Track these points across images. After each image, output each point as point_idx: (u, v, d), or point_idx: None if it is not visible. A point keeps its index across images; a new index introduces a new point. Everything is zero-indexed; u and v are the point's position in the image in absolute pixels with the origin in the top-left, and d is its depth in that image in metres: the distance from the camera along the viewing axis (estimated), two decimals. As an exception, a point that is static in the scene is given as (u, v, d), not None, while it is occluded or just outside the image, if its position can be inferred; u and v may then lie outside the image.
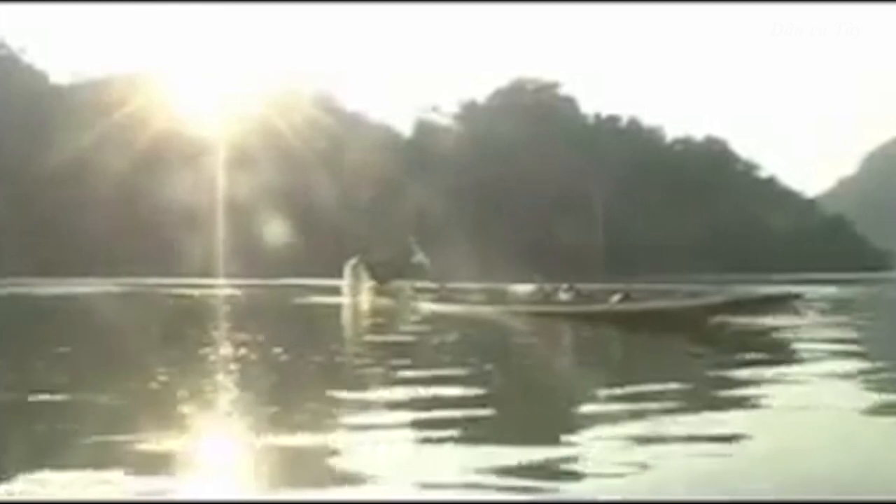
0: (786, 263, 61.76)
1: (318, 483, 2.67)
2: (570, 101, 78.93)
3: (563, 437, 3.40)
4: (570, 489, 2.61)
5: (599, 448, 3.15)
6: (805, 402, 4.20)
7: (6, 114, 54.98)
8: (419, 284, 14.16)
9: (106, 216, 51.26)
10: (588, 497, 2.53)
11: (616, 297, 9.63)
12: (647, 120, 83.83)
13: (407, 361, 5.79)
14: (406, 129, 73.36)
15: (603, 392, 4.49)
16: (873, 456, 3.09)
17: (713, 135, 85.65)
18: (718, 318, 8.96)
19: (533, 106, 73.33)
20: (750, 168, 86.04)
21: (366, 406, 4.05)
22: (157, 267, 41.92)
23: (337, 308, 13.77)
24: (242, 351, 6.37)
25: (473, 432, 3.43)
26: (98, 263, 43.62)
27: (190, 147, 51.25)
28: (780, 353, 6.97)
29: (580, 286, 10.97)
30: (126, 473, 2.70)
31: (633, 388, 4.58)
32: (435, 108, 74.00)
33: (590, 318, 9.42)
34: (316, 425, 3.55)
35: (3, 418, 3.92)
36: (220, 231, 43.35)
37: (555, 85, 78.94)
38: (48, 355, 6.31)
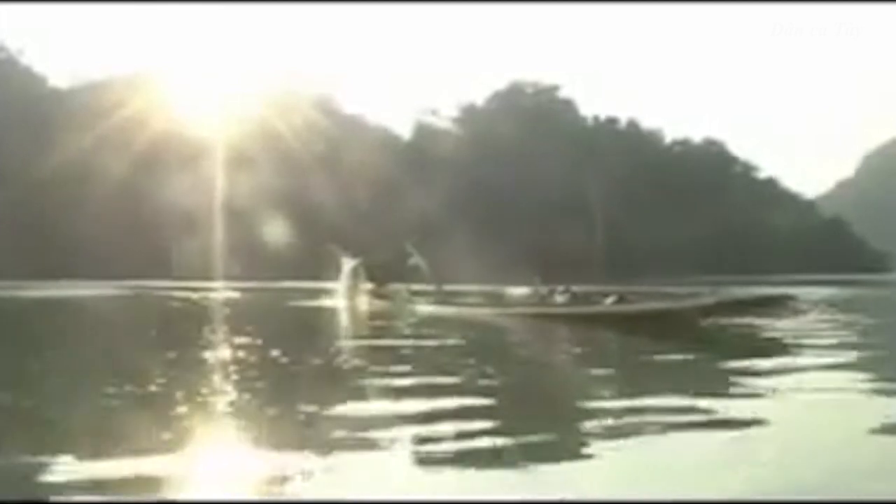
0: (785, 265, 61.92)
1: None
2: (568, 104, 79.11)
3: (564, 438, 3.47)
4: (569, 489, 2.66)
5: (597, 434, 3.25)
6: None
7: (5, 116, 54.98)
8: (416, 287, 14.21)
9: (105, 219, 51.26)
10: (590, 497, 2.59)
11: (611, 299, 9.77)
12: (646, 122, 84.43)
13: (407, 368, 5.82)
14: (405, 131, 73.66)
15: (601, 392, 4.57)
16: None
17: (712, 136, 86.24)
18: (711, 320, 9.07)
19: (532, 108, 73.52)
20: (749, 169, 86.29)
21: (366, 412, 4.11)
22: (157, 269, 41.95)
23: (334, 311, 13.79)
24: (241, 353, 6.43)
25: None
26: (97, 266, 43.61)
27: (189, 149, 51.26)
28: (774, 355, 6.95)
29: (576, 288, 11.12)
30: (123, 474, 2.75)
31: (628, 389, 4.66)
32: (434, 111, 74.22)
33: (585, 319, 9.55)
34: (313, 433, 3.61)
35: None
36: (219, 233, 43.40)
37: (553, 87, 79.21)
38: (41, 359, 6.35)
